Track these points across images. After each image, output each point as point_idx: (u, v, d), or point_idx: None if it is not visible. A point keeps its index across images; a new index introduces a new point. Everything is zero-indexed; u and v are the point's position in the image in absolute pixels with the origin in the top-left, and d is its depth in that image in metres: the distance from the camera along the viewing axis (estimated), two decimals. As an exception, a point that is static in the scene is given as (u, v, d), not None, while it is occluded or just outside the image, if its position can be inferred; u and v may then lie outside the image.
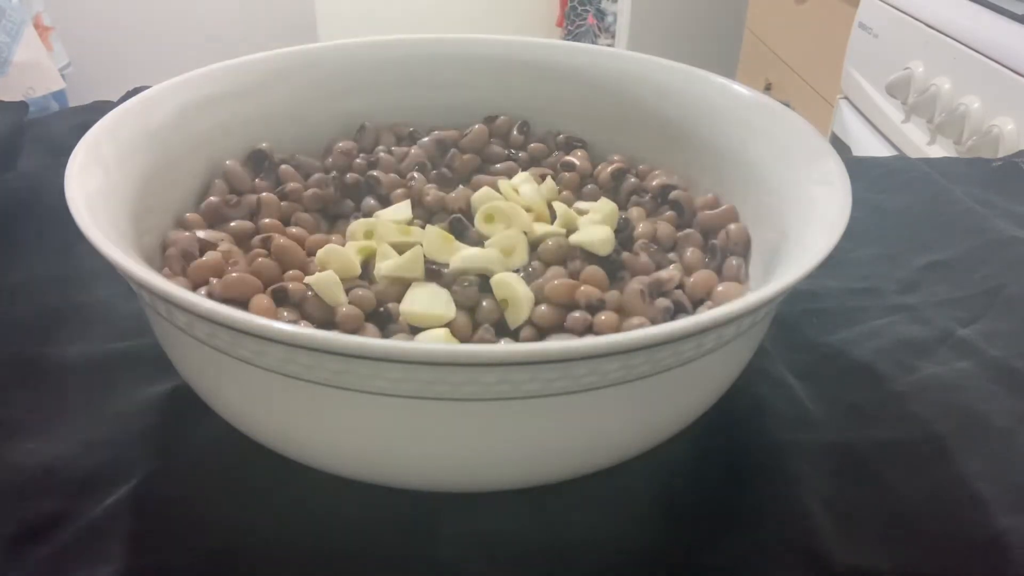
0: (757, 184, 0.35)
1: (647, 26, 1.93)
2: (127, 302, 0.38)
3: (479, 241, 0.34)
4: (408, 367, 0.22)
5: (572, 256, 0.33)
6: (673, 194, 0.38)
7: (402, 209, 0.37)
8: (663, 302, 0.31)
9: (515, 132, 0.43)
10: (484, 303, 0.31)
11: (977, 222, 0.47)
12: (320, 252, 0.32)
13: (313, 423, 0.25)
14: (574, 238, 0.34)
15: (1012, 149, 0.73)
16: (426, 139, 0.41)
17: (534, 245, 0.34)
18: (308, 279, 0.30)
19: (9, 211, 0.44)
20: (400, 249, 0.32)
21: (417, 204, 0.37)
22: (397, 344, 0.21)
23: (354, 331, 0.29)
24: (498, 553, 0.27)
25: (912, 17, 0.94)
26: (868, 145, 1.03)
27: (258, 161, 0.38)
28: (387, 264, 0.31)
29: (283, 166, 0.38)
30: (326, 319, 0.30)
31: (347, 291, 0.30)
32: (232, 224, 0.35)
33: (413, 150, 0.40)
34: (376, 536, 0.28)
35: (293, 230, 0.35)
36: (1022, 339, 0.38)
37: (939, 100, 0.85)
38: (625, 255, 0.34)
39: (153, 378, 0.33)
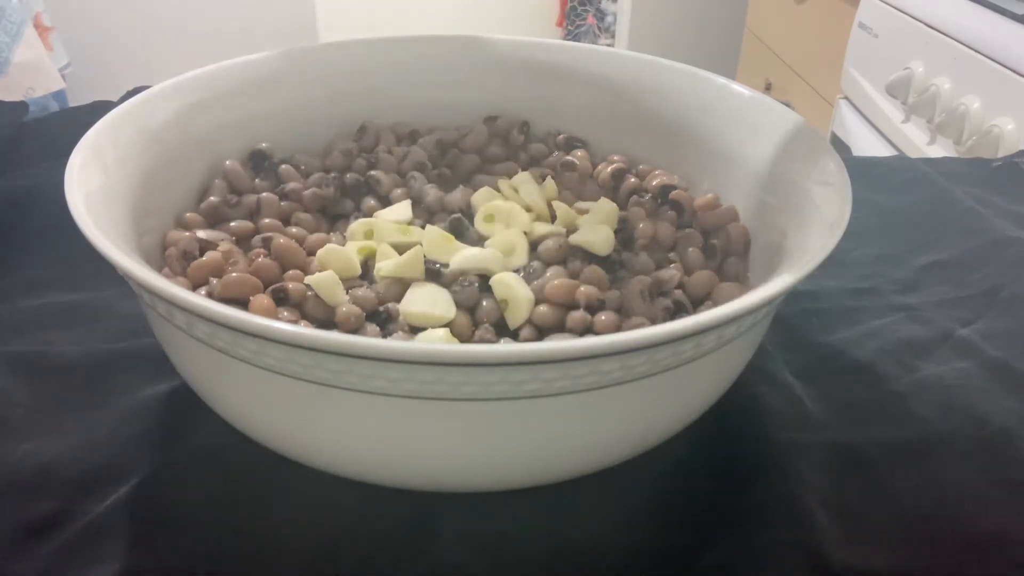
0: (757, 184, 0.35)
1: (647, 26, 1.93)
2: (127, 302, 0.38)
3: (479, 241, 0.34)
4: (408, 367, 0.22)
5: (572, 256, 0.33)
6: (673, 194, 0.38)
7: (402, 209, 0.37)
8: (663, 302, 0.31)
9: (515, 132, 0.43)
10: (484, 303, 0.31)
11: (977, 222, 0.47)
12: (320, 252, 0.32)
13: (313, 423, 0.25)
14: (574, 238, 0.34)
15: (1012, 149, 0.73)
16: (426, 139, 0.41)
17: (534, 245, 0.34)
18: (308, 279, 0.30)
19: (9, 211, 0.44)
20: (400, 249, 0.32)
21: (417, 204, 0.37)
22: (397, 344, 0.21)
23: (354, 331, 0.29)
24: (498, 553, 0.27)
25: (912, 17, 0.94)
26: (868, 145, 1.03)
27: (258, 161, 0.38)
28: (387, 264, 0.31)
29: (283, 166, 0.38)
30: (326, 319, 0.30)
31: (347, 291, 0.30)
32: (232, 224, 0.35)
33: (413, 150, 0.40)
34: (376, 536, 0.28)
35: (293, 230, 0.35)
36: (1022, 339, 0.38)
37: (939, 100, 0.85)
38: (625, 255, 0.34)
39: (153, 378, 0.33)
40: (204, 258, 0.32)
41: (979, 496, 0.30)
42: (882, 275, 0.43)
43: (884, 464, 0.31)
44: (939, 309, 0.40)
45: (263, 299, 0.29)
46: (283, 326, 0.21)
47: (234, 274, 0.30)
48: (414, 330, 0.30)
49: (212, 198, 0.36)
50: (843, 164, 0.31)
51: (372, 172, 0.39)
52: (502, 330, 0.30)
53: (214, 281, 0.31)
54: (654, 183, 0.39)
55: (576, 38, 2.23)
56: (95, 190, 0.28)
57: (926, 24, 0.91)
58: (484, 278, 0.31)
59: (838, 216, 0.28)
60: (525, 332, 0.30)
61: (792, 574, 0.27)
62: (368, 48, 0.42)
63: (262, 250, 0.33)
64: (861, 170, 0.53)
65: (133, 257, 0.24)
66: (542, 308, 0.30)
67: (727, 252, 0.35)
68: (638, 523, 0.29)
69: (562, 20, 2.29)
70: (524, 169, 0.41)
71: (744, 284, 0.34)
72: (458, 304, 0.30)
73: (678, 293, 0.32)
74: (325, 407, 0.24)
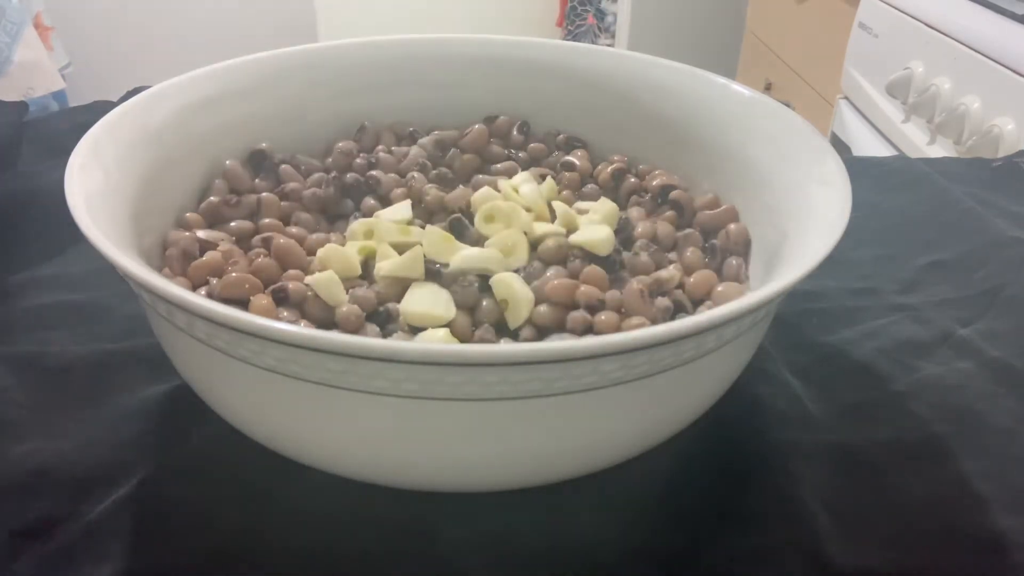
0: (757, 184, 0.35)
1: (647, 26, 1.93)
2: (127, 302, 0.38)
3: (479, 241, 0.34)
4: (409, 367, 0.22)
5: (572, 256, 0.33)
6: (673, 194, 0.38)
7: (402, 209, 0.36)
8: (663, 302, 0.31)
9: (515, 132, 0.43)
10: (484, 303, 0.31)
11: (977, 222, 0.47)
12: (320, 252, 0.32)
13: (313, 423, 0.25)
14: (574, 238, 0.34)
15: (1012, 149, 0.73)
16: (426, 139, 0.41)
17: (534, 245, 0.34)
18: (308, 279, 0.30)
19: (9, 211, 0.44)
20: (400, 249, 0.32)
21: (417, 204, 0.37)
22: (398, 344, 0.21)
23: (354, 331, 0.29)
24: (498, 553, 0.27)
25: (912, 17, 0.94)
26: (868, 145, 1.03)
27: (258, 161, 0.38)
28: (387, 264, 0.31)
29: (283, 166, 0.38)
30: (326, 319, 0.30)
31: (347, 291, 0.30)
32: (232, 224, 0.35)
33: (413, 150, 0.40)
34: (376, 536, 0.28)
35: (293, 230, 0.35)
36: (1022, 339, 0.38)
37: (939, 100, 0.85)
38: (625, 255, 0.34)
39: (153, 378, 0.33)
40: (204, 258, 0.32)
41: (979, 496, 0.30)
42: (882, 275, 0.43)
43: (884, 464, 0.31)
44: (939, 309, 0.40)
45: (263, 299, 0.29)
46: (283, 326, 0.21)
47: (234, 274, 0.30)
48: (414, 330, 0.30)
49: (212, 198, 0.36)
50: (843, 164, 0.31)
51: (372, 172, 0.39)
52: (502, 330, 0.30)
53: (214, 281, 0.31)
54: (654, 183, 0.39)
55: (576, 38, 2.23)
56: (95, 190, 0.28)
57: (926, 24, 0.91)
58: (484, 278, 0.31)
59: (838, 216, 0.28)
60: (525, 332, 0.30)
61: (792, 574, 0.27)
62: (368, 48, 0.42)
63: (262, 250, 0.33)
64: (861, 170, 0.53)
65: (133, 257, 0.24)
66: (542, 308, 0.30)
67: (727, 252, 0.35)
68: (638, 523, 0.29)
69: (562, 20, 2.29)
70: (524, 169, 0.41)
71: (744, 284, 0.34)
72: (458, 304, 0.30)
73: (678, 293, 0.32)
74: (325, 407, 0.24)
